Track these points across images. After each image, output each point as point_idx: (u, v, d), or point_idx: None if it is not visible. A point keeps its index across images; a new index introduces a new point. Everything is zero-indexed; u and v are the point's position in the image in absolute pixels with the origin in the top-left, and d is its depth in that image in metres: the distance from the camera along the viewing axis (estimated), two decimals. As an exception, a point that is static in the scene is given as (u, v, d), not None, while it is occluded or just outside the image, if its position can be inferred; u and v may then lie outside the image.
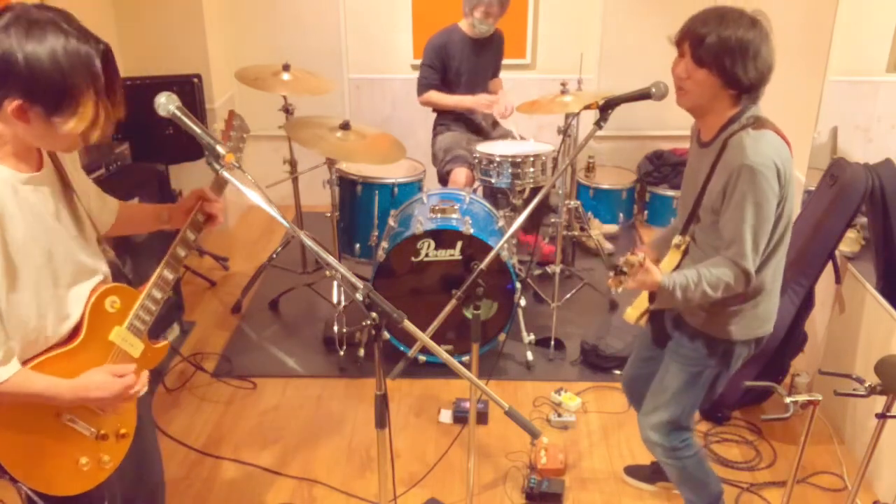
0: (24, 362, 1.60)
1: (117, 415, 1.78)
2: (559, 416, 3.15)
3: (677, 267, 2.20)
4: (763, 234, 2.01)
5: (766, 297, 2.15)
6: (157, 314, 1.79)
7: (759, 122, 2.00)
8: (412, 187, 3.71)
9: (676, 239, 2.21)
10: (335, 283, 3.73)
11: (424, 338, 1.68)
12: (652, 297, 2.23)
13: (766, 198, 1.96)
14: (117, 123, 1.61)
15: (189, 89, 3.90)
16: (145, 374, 1.77)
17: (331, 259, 1.62)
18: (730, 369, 2.25)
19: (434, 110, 4.16)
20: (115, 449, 1.79)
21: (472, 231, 3.20)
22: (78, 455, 1.70)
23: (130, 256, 3.10)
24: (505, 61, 4.29)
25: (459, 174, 3.91)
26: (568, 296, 3.88)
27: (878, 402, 2.05)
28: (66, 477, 1.70)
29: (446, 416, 3.17)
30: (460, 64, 3.98)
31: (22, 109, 1.43)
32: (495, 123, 4.26)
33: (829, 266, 3.00)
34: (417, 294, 3.33)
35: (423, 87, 4.01)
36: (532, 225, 4.21)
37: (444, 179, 4.05)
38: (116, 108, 1.53)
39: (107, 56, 1.49)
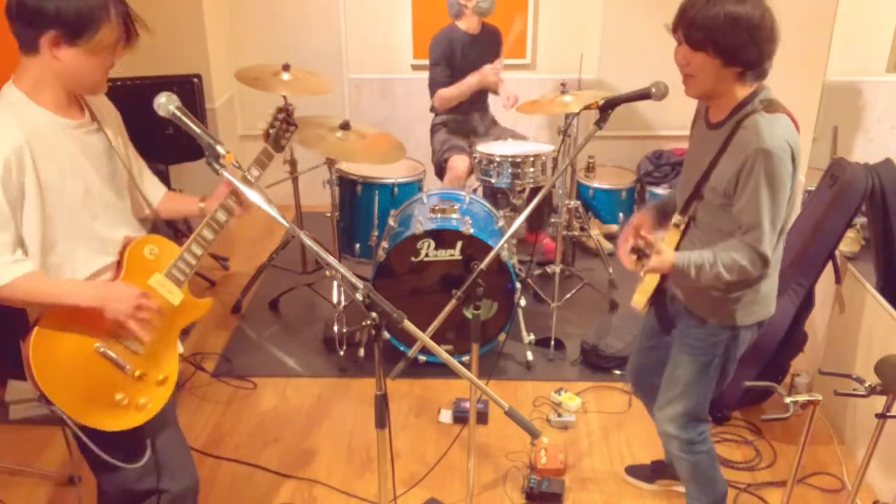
0: None
1: (154, 358, 1.88)
2: (559, 416, 3.15)
3: (676, 248, 2.19)
4: (780, 217, 2.00)
5: (767, 280, 2.15)
6: (196, 269, 1.93)
7: (772, 106, 1.99)
8: (412, 187, 3.71)
9: (676, 218, 2.19)
10: (335, 283, 3.73)
11: (424, 338, 1.68)
12: (662, 280, 2.22)
13: (783, 181, 1.95)
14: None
15: (189, 89, 3.90)
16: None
17: (331, 259, 1.63)
18: (736, 354, 2.25)
19: (432, 110, 4.15)
20: (155, 393, 1.89)
21: (472, 231, 3.20)
22: (114, 390, 1.81)
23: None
24: (505, 61, 4.29)
25: (458, 161, 3.89)
26: (568, 296, 3.87)
27: (878, 402, 2.05)
28: (103, 411, 1.79)
29: (446, 416, 3.17)
30: (463, 61, 3.97)
31: (56, 39, 1.62)
32: (493, 124, 4.26)
33: (829, 266, 3.00)
34: (417, 294, 3.33)
35: (435, 86, 3.98)
36: (536, 224, 4.20)
37: (441, 168, 4.02)
38: (134, 36, 1.76)
39: None
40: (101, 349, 1.77)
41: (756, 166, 1.94)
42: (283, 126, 2.17)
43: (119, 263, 1.83)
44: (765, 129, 1.94)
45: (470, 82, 3.95)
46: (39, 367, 1.69)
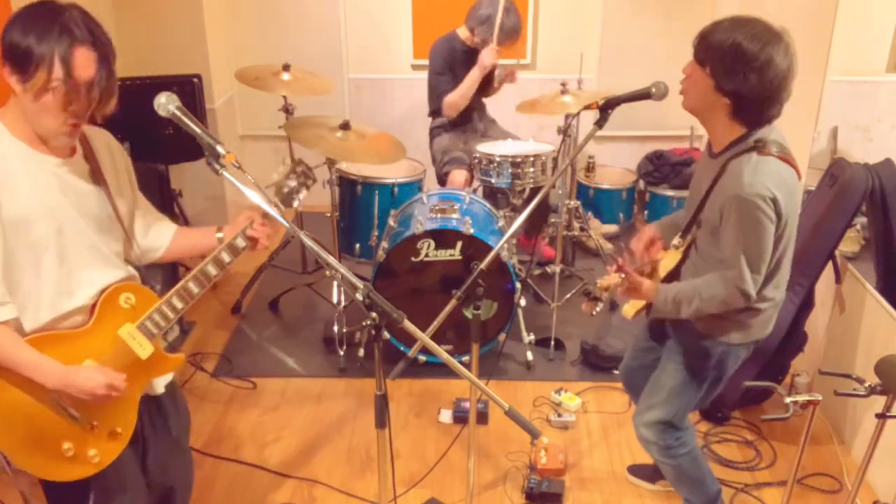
0: (29, 333, 1.67)
1: (112, 411, 1.78)
2: (559, 416, 3.15)
3: (678, 266, 2.20)
4: (761, 259, 2.01)
5: (768, 306, 2.16)
6: (173, 322, 1.82)
7: (765, 147, 1.98)
8: (412, 187, 3.71)
9: (676, 240, 2.22)
10: (335, 283, 3.73)
11: (424, 338, 1.68)
12: (649, 307, 2.24)
13: (762, 226, 1.96)
14: (114, 121, 1.72)
15: (189, 89, 3.90)
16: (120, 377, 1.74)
17: (331, 259, 1.63)
18: (727, 371, 2.26)
19: (430, 114, 4.13)
20: (106, 446, 1.79)
21: (472, 231, 3.20)
22: (62, 439, 1.72)
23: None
24: (505, 61, 4.28)
25: (458, 175, 3.90)
26: (568, 296, 3.87)
27: (878, 402, 2.05)
28: (47, 460, 1.71)
29: (446, 416, 3.17)
30: (463, 72, 3.95)
31: (8, 72, 1.58)
32: (492, 123, 4.25)
33: (829, 266, 3.00)
34: (417, 294, 3.33)
35: (439, 96, 3.95)
36: (533, 228, 4.19)
37: (442, 181, 4.04)
38: (102, 102, 1.63)
39: (102, 54, 1.60)
40: (56, 396, 1.70)
41: (733, 212, 1.97)
42: (302, 181, 1.96)
43: (93, 308, 1.75)
44: (746, 175, 1.95)
45: (473, 76, 3.91)
46: None
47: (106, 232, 1.78)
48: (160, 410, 1.98)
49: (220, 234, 1.95)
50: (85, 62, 1.57)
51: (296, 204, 1.97)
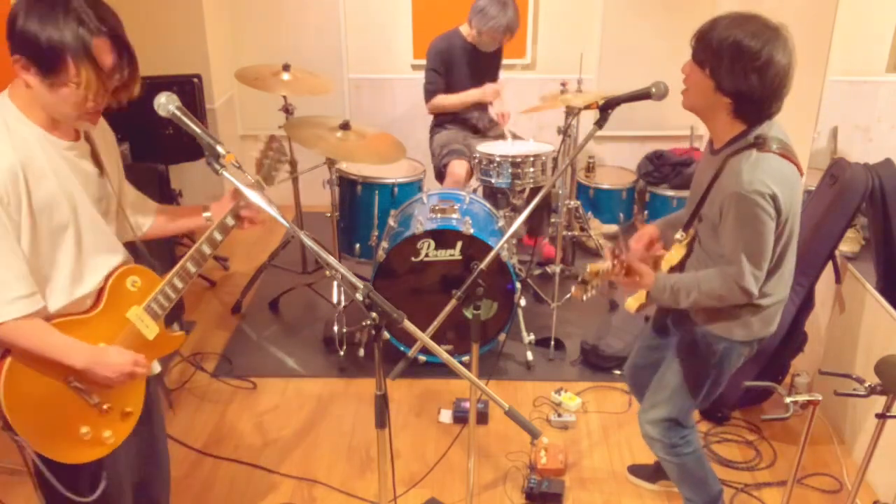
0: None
1: (123, 392, 1.82)
2: (559, 416, 3.15)
3: (683, 259, 2.21)
4: (762, 256, 2.01)
5: (771, 303, 2.15)
6: (175, 302, 1.86)
7: (764, 144, 1.98)
8: (412, 187, 3.71)
9: (679, 234, 2.21)
10: (335, 283, 3.73)
11: (424, 338, 1.68)
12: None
13: (762, 223, 1.96)
14: (114, 121, 1.76)
15: (189, 89, 3.90)
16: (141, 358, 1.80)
17: (331, 259, 1.63)
18: (730, 368, 2.25)
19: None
20: (119, 426, 1.84)
21: (472, 231, 3.20)
22: (80, 423, 1.76)
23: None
24: (505, 61, 4.29)
25: (457, 166, 3.89)
26: (568, 296, 3.86)
27: (878, 402, 2.05)
28: (66, 444, 1.75)
29: (446, 416, 3.17)
30: (462, 69, 3.96)
31: (24, 65, 1.56)
32: (492, 122, 4.26)
33: (829, 266, 3.00)
34: (417, 294, 3.33)
35: (429, 93, 3.98)
36: (535, 227, 4.19)
37: (441, 173, 4.02)
38: (123, 88, 1.64)
39: (116, 40, 1.59)
40: (74, 383, 1.72)
41: (732, 209, 1.97)
42: (276, 157, 2.04)
43: (101, 292, 1.77)
44: (745, 172, 1.95)
45: (470, 97, 3.96)
46: (10, 398, 1.64)
47: (106, 213, 1.80)
48: (153, 391, 2.01)
49: (207, 214, 1.98)
50: (106, 50, 1.58)
51: (277, 181, 2.04)
